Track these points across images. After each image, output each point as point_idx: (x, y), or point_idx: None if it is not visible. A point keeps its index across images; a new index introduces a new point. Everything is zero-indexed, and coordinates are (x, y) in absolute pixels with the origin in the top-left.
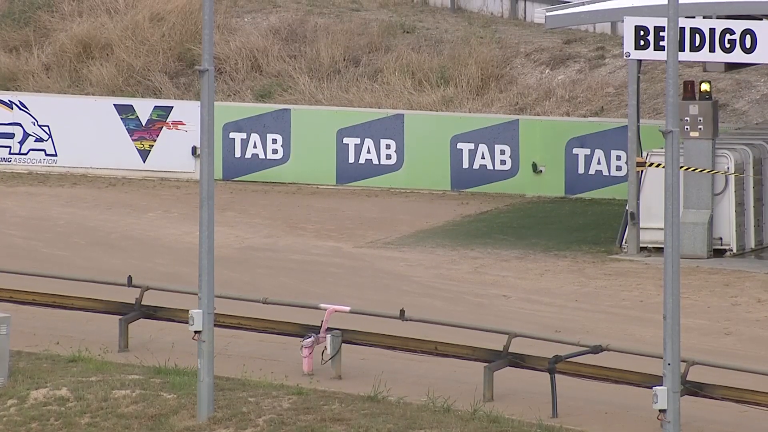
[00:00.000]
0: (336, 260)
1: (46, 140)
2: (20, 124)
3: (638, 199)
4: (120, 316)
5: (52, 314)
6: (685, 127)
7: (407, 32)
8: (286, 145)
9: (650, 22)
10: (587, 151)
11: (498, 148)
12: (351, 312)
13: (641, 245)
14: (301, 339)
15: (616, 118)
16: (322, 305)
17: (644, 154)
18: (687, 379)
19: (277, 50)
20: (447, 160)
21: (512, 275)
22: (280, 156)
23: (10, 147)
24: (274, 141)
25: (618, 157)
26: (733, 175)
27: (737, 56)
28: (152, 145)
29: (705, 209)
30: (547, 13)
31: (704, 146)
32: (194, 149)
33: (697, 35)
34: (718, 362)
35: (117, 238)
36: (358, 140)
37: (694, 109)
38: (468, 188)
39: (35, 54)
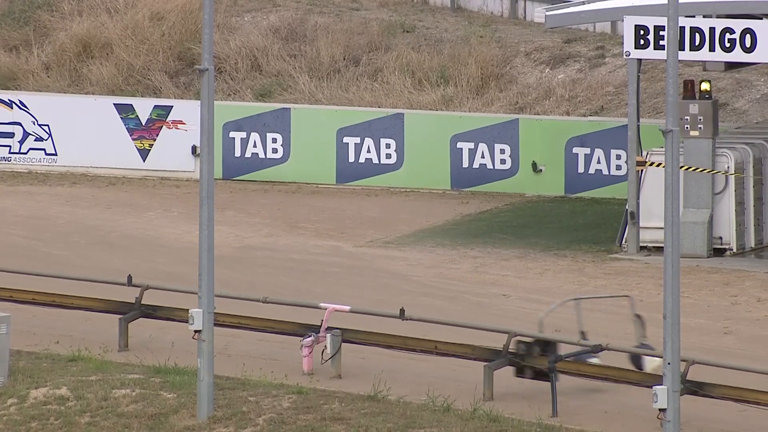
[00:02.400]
0: (336, 259)
1: (46, 139)
2: (20, 124)
3: (638, 198)
4: (120, 316)
5: (52, 313)
6: (685, 126)
7: (407, 31)
8: (286, 145)
9: (650, 22)
10: (587, 151)
11: (498, 147)
12: (351, 311)
13: (641, 244)
14: (301, 338)
15: (616, 118)
16: (322, 304)
17: (644, 153)
18: (687, 378)
19: (277, 49)
20: (447, 160)
21: (512, 274)
22: (280, 155)
23: (10, 146)
24: (274, 140)
25: (618, 157)
26: (733, 175)
27: (737, 55)
28: (152, 145)
29: (705, 208)
30: (547, 13)
31: (704, 145)
32: (194, 148)
33: (697, 34)
34: (718, 361)
35: (117, 238)
36: (358, 139)
37: (694, 108)
38: (468, 187)
39: (35, 53)
